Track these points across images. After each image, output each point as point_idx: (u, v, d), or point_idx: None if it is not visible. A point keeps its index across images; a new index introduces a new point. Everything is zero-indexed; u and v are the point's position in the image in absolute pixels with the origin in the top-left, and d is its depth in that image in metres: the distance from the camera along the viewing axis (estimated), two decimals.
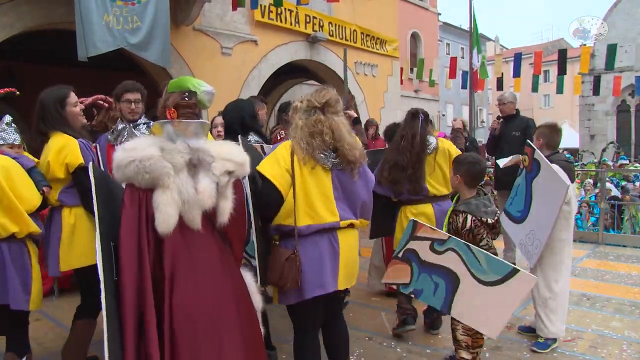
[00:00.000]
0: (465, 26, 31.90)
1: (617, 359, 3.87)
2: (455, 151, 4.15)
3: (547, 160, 3.85)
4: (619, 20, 27.91)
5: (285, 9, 9.77)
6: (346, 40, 11.49)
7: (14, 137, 3.36)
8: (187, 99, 2.40)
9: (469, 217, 3.23)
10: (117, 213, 2.18)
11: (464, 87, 14.59)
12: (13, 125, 3.41)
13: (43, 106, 3.18)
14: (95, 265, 2.46)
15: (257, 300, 2.52)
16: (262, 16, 9.40)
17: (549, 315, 4.00)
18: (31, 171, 3.15)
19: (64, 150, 3.08)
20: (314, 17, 10.52)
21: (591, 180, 12.00)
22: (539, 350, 3.97)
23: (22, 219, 3.02)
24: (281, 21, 9.83)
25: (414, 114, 4.15)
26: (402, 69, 14.56)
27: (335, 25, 11.18)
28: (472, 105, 16.85)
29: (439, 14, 28.86)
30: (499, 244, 7.33)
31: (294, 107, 2.90)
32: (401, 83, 14.25)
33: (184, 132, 2.29)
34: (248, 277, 2.51)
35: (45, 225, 3.26)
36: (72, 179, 3.14)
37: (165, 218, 2.12)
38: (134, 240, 2.12)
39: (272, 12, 9.59)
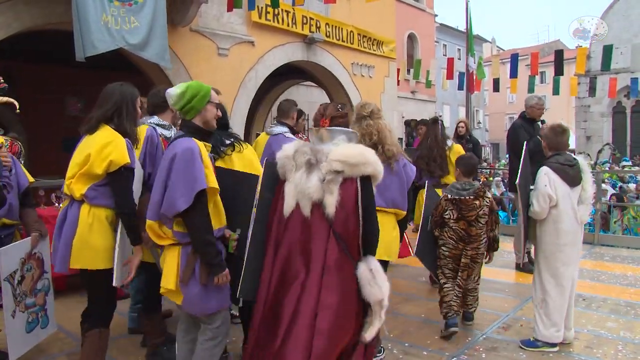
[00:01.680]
0: (462, 27, 31.97)
1: (612, 359, 3.89)
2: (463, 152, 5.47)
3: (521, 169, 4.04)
4: (615, 22, 27.99)
5: (282, 10, 9.78)
6: (343, 41, 11.50)
7: None
8: (340, 110, 2.90)
9: (443, 193, 4.53)
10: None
11: (460, 88, 14.62)
12: None
13: (123, 98, 3.15)
14: (104, 271, 2.98)
15: (369, 293, 2.57)
16: (259, 17, 9.40)
17: (542, 317, 4.04)
18: None
19: (109, 146, 2.97)
20: (311, 18, 10.53)
21: None
22: (524, 347, 4.04)
23: None
24: (278, 22, 9.83)
25: (435, 120, 5.95)
26: (398, 70, 14.58)
27: (332, 26, 11.18)
28: (469, 107, 16.89)
29: (436, 15, 28.91)
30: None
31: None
32: (398, 84, 14.27)
33: (323, 137, 2.77)
34: (365, 270, 2.58)
35: (59, 219, 3.12)
36: (107, 177, 3.00)
37: (285, 203, 2.66)
38: (275, 214, 2.76)
39: (269, 13, 9.59)
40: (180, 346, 3.10)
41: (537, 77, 13.16)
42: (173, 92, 2.94)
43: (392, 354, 3.98)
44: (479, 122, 42.06)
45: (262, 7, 9.38)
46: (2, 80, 5.01)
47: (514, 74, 11.50)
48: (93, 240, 2.99)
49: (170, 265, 2.83)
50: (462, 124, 8.18)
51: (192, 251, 2.82)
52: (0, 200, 3.20)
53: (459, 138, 7.94)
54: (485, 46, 39.51)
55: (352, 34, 11.77)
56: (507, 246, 7.26)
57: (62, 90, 11.34)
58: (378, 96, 12.76)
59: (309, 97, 15.27)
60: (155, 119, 3.75)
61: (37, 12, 6.60)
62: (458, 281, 4.29)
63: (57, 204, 5.76)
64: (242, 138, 3.91)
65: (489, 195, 4.33)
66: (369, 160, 2.62)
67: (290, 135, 4.69)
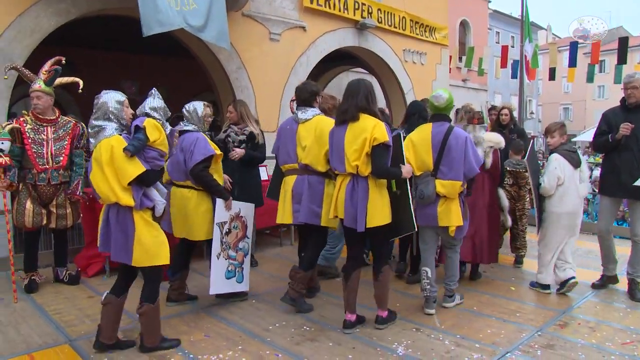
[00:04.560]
0: (516, 14, 30.97)
1: None
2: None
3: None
4: None
5: None
6: (395, 27, 11.29)
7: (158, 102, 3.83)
8: (481, 116, 5.37)
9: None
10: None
11: (514, 76, 14.21)
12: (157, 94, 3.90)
13: (368, 90, 4.02)
14: (385, 225, 3.98)
15: (504, 203, 5.65)
16: (311, 2, 9.31)
17: (538, 265, 5.30)
18: (137, 132, 3.58)
19: (375, 128, 3.86)
20: (363, 4, 10.35)
21: None
22: (531, 287, 5.36)
23: (115, 192, 3.46)
24: (330, 7, 9.72)
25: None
26: (450, 57, 14.25)
27: (384, 12, 10.98)
28: (522, 96, 16.40)
29: (489, 1, 28.16)
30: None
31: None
32: (449, 72, 13.94)
33: (476, 130, 5.17)
34: (502, 192, 5.69)
35: (347, 190, 3.98)
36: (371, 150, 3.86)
37: None
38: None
39: None
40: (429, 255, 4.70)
41: (596, 66, 12.61)
42: (446, 96, 4.41)
43: (444, 345, 3.90)
44: (532, 112, 40.86)
45: None
46: (64, 61, 5.15)
47: (572, 62, 11.06)
48: (382, 203, 3.98)
49: (458, 209, 4.39)
50: (505, 112, 7.15)
51: (465, 197, 4.59)
52: (151, 178, 3.65)
53: (501, 127, 7.11)
54: (540, 33, 38.23)
55: (404, 19, 11.55)
56: None
57: (117, 75, 11.58)
58: (429, 83, 12.51)
59: None
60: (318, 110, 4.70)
61: None
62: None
63: None
64: None
65: None
66: (502, 140, 5.36)
67: None
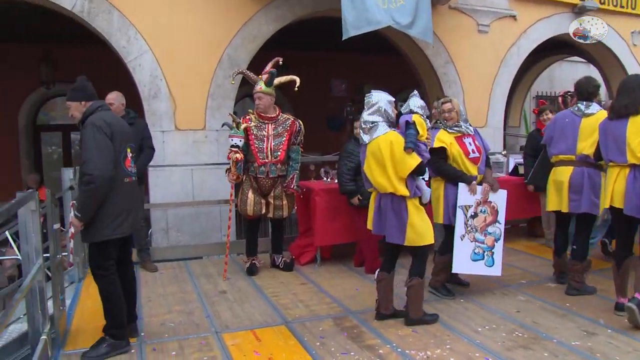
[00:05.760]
0: None
1: None
2: None
3: None
4: None
5: None
6: (621, 6, 10.00)
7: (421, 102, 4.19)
8: None
9: None
10: None
11: None
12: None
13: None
14: None
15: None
16: None
17: None
18: (408, 127, 3.98)
19: None
20: None
21: None
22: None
23: (393, 184, 3.95)
24: None
25: None
26: None
27: None
28: None
29: None
30: None
31: None
32: None
33: None
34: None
35: (637, 180, 4.03)
36: None
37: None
38: None
39: None
40: None
41: None
42: None
43: None
44: None
45: None
46: (280, 62, 5.58)
47: None
48: None
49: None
50: None
51: None
52: (424, 167, 4.11)
53: None
54: None
55: None
56: None
57: (328, 73, 12.18)
58: None
59: (573, 75, 13.79)
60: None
61: (307, 3, 7.15)
62: None
63: (325, 179, 6.19)
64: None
65: None
66: None
67: None
